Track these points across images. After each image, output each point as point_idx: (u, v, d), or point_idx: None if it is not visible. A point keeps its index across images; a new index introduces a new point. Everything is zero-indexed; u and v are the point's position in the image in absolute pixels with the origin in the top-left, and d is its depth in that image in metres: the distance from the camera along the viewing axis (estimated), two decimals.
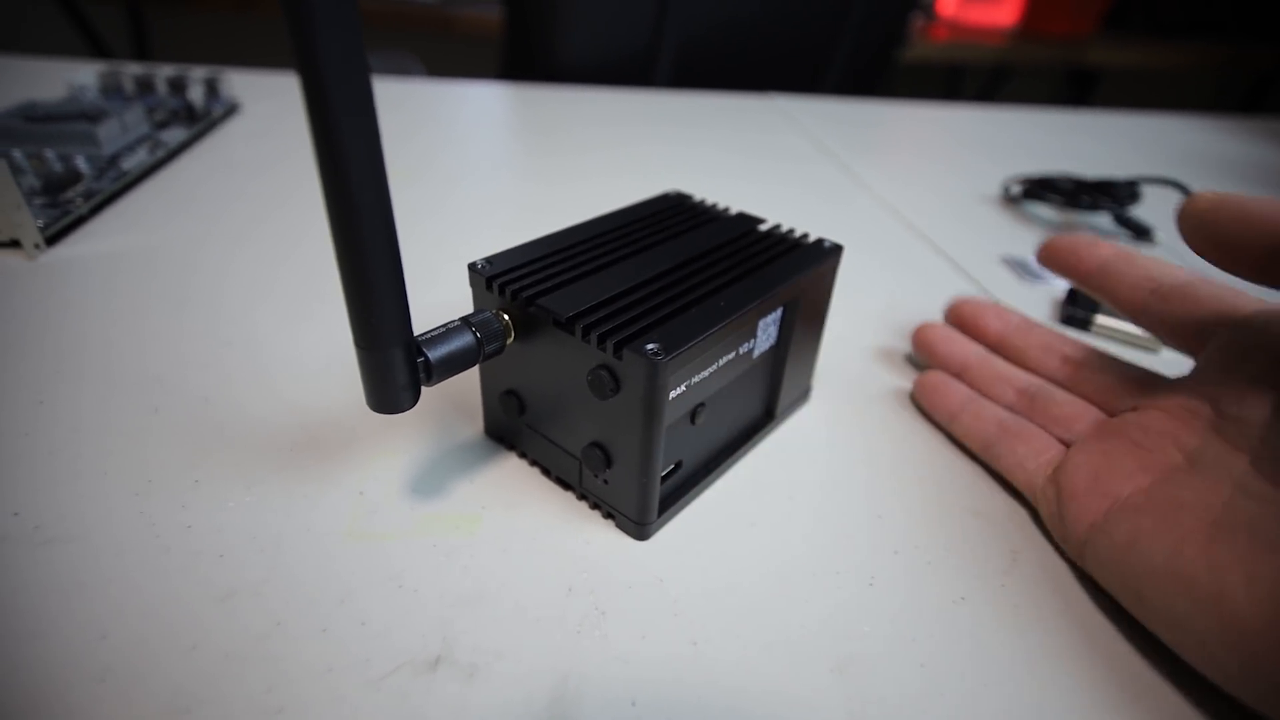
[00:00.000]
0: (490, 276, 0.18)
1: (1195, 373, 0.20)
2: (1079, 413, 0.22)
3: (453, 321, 0.18)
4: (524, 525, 0.19)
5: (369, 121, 0.13)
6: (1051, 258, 0.24)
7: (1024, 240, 0.40)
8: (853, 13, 0.74)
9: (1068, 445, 0.21)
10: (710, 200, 0.25)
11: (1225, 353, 0.18)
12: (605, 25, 0.69)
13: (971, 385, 0.24)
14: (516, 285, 0.18)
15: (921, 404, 0.25)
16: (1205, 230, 0.17)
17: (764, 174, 0.47)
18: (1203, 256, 0.18)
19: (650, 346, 0.16)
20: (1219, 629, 0.15)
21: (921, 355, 0.26)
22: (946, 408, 0.24)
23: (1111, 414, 0.21)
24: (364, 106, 0.13)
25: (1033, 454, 0.21)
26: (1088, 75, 1.50)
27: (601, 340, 0.16)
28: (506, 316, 0.18)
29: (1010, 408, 0.23)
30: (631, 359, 0.16)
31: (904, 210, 0.43)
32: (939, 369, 0.25)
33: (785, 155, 0.51)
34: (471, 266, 0.19)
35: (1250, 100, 1.51)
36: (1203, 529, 0.16)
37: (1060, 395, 0.22)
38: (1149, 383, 0.21)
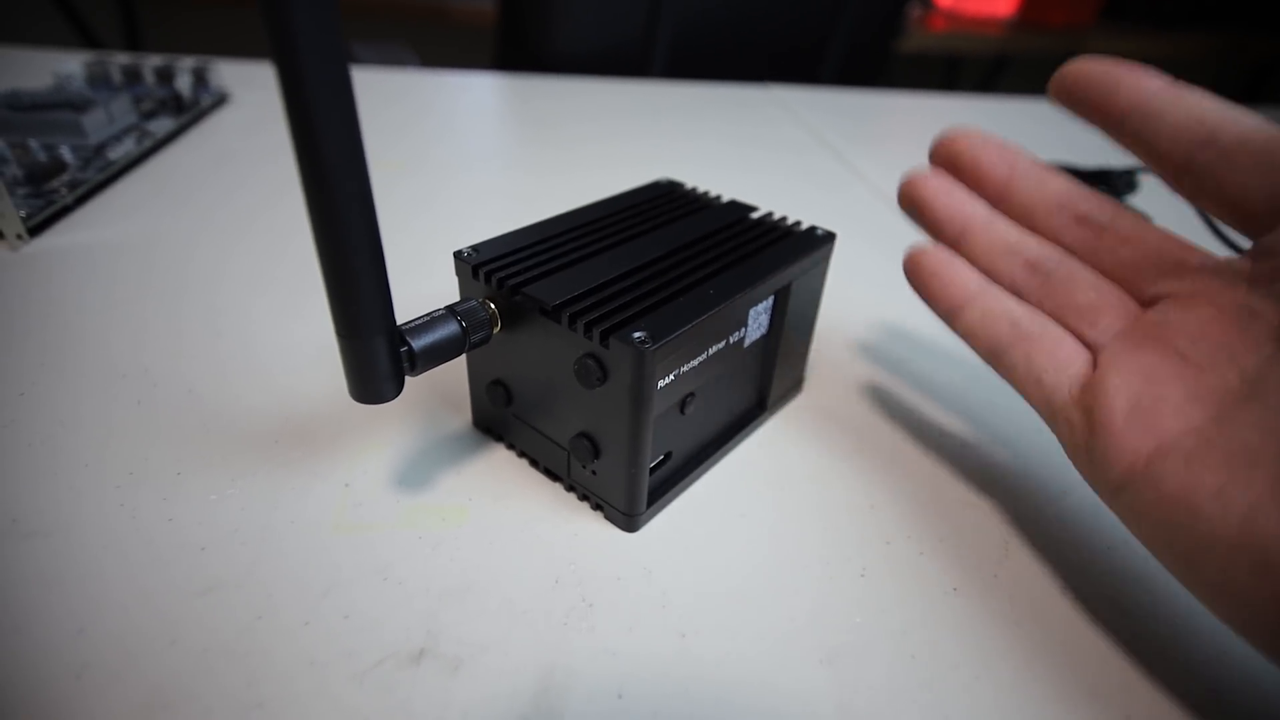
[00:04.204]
0: (476, 265, 0.18)
1: (1257, 258, 0.15)
2: (1105, 300, 0.18)
3: (437, 310, 0.17)
4: (511, 517, 0.19)
5: (346, 104, 0.13)
6: (1074, 91, 0.18)
7: None
8: (849, 2, 0.73)
9: (1092, 349, 0.17)
10: (705, 190, 0.24)
11: None
12: (599, 13, 0.68)
13: (970, 256, 0.20)
14: (503, 273, 0.18)
15: (918, 289, 0.20)
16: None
17: (761, 165, 0.47)
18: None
19: (637, 335, 0.16)
20: None
21: (910, 213, 0.21)
22: (949, 297, 0.19)
23: (1142, 300, 0.17)
24: (341, 89, 0.13)
25: (1053, 366, 0.17)
26: None
27: (588, 329, 0.16)
28: (493, 305, 0.18)
29: (1017, 289, 0.19)
30: (618, 347, 0.16)
31: None
32: (932, 233, 0.20)
33: (782, 146, 0.50)
34: (457, 255, 0.19)
35: (1249, 89, 1.51)
36: (1230, 466, 0.13)
37: (1083, 275, 0.18)
38: (1192, 262, 0.17)
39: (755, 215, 0.22)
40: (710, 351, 0.18)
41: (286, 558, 0.17)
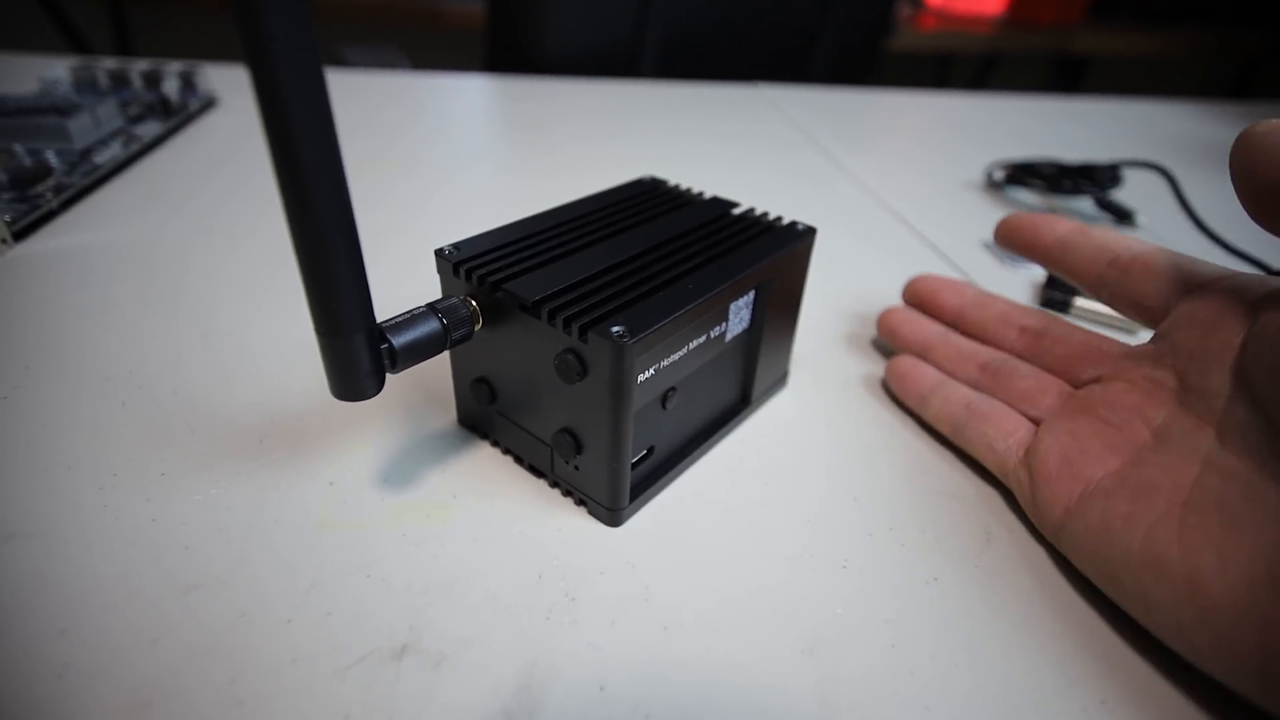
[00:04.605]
0: (457, 262, 0.18)
1: (1156, 341, 0.19)
2: (1043, 386, 0.21)
3: (418, 308, 0.17)
4: (495, 513, 0.19)
5: (320, 101, 0.13)
6: (1009, 237, 0.24)
7: None
8: (838, 2, 0.74)
9: (1036, 422, 0.21)
10: (690, 187, 0.24)
11: (1187, 323, 0.18)
12: (588, 15, 0.68)
13: (935, 365, 0.24)
14: (484, 270, 0.18)
15: (892, 390, 0.24)
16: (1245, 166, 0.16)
17: (749, 163, 0.47)
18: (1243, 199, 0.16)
19: (616, 329, 0.16)
20: (1193, 612, 0.15)
21: (886, 339, 0.26)
22: (916, 392, 0.23)
23: (1075, 384, 0.21)
24: (314, 86, 0.13)
25: (1001, 435, 0.21)
26: (1076, 63, 1.50)
27: (567, 324, 0.16)
28: (474, 302, 0.18)
29: (975, 384, 0.23)
30: (597, 342, 0.16)
31: (887, 196, 0.43)
32: (904, 352, 0.25)
33: (771, 144, 0.51)
34: (439, 252, 0.19)
35: (1237, 85, 1.52)
36: (1175, 511, 0.16)
37: (1023, 369, 0.22)
38: (1110, 351, 0.21)
39: (737, 211, 0.22)
40: (691, 346, 0.18)
41: (270, 556, 0.17)
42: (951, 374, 0.24)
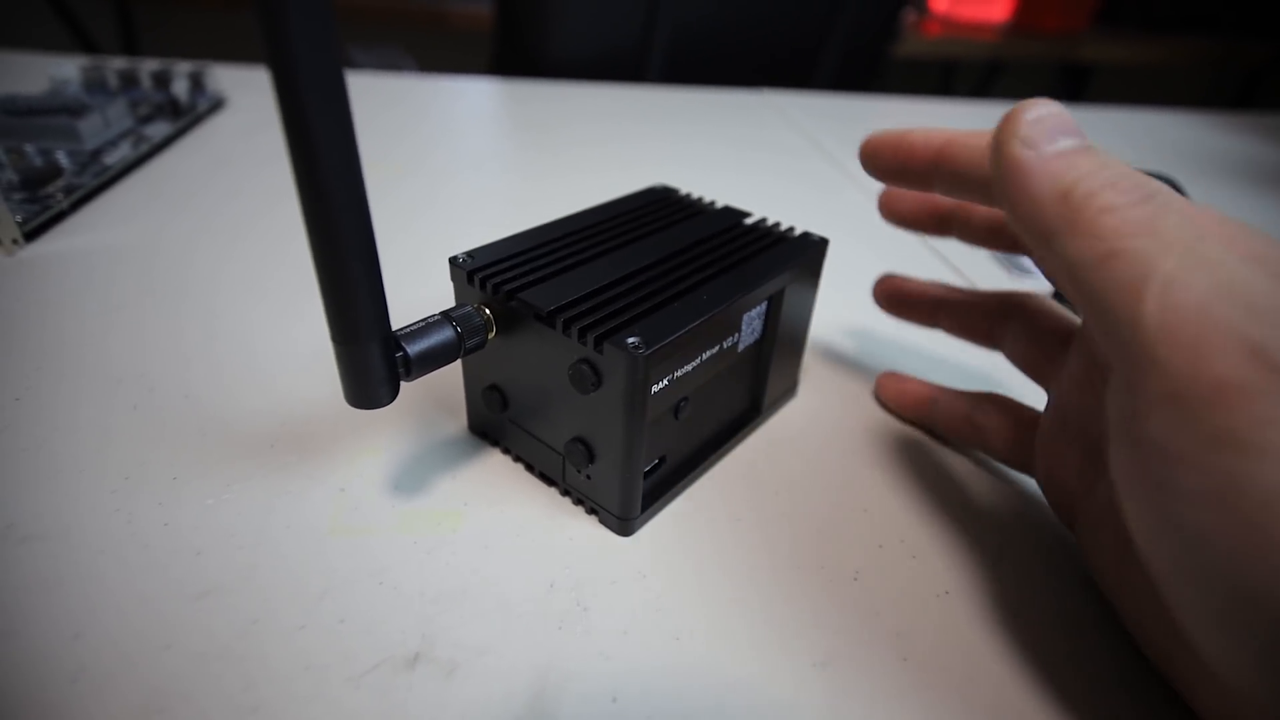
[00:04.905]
0: (471, 270, 0.18)
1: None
2: (1046, 352, 0.20)
3: (433, 316, 0.17)
4: (507, 521, 0.19)
5: (341, 110, 0.13)
6: (878, 153, 0.21)
7: None
8: (844, 7, 0.74)
9: (1045, 398, 0.20)
10: (700, 195, 0.24)
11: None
12: (596, 19, 0.69)
13: (952, 333, 0.24)
14: (498, 279, 0.18)
15: (891, 410, 0.24)
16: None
17: (755, 168, 0.47)
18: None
19: (631, 340, 0.16)
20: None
21: (889, 309, 0.25)
22: (917, 410, 0.23)
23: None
24: (336, 95, 0.13)
25: (1006, 447, 0.21)
26: (1081, 71, 1.50)
27: (582, 334, 0.16)
28: (488, 311, 0.18)
29: (988, 343, 0.23)
30: (612, 353, 0.16)
31: None
32: (917, 323, 0.25)
33: (777, 150, 0.51)
34: (452, 260, 0.19)
35: (1243, 95, 1.52)
36: (1114, 551, 0.16)
37: (1022, 330, 0.21)
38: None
39: (749, 221, 0.22)
40: (704, 356, 0.18)
41: (282, 562, 0.17)
42: (965, 334, 0.23)
